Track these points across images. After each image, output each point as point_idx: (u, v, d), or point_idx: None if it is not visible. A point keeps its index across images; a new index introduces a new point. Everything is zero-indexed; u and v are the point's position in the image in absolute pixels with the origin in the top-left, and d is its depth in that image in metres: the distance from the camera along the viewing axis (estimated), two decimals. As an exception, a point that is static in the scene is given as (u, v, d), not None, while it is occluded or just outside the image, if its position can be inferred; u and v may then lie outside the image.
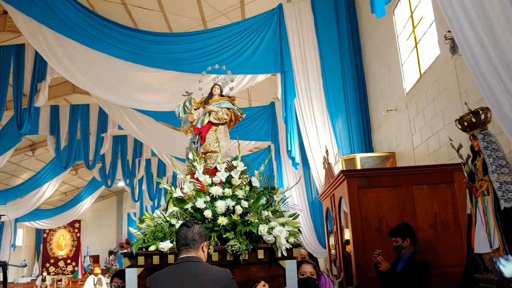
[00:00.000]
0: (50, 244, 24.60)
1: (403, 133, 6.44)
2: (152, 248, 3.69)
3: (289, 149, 7.69)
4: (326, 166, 6.15)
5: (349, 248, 5.18)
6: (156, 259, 3.61)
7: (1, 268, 3.00)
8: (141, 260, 3.64)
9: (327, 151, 6.37)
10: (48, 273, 22.28)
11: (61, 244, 24.70)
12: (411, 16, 6.11)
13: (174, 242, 3.08)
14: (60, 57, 8.57)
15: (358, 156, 6.67)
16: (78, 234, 24.65)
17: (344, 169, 6.63)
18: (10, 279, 19.85)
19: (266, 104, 12.17)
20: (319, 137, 7.62)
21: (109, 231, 24.28)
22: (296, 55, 8.01)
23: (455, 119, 3.77)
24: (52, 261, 24.36)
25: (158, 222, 4.04)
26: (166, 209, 4.37)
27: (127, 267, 3.65)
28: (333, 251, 6.28)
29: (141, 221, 4.26)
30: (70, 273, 23.44)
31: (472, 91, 4.49)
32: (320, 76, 7.92)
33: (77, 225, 24.37)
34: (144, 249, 3.72)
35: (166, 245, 3.65)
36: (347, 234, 5.29)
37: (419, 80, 5.85)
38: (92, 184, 19.43)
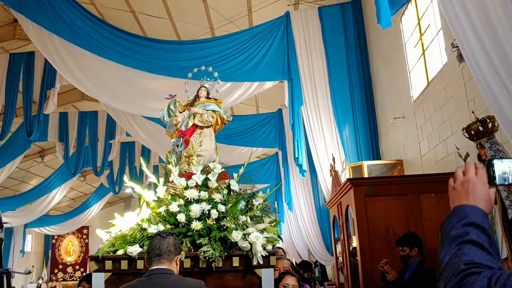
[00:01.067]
0: (59, 250, 24.70)
1: (411, 140, 6.43)
2: (120, 252, 3.53)
3: (296, 156, 7.69)
4: (333, 174, 6.14)
5: (357, 255, 5.17)
6: (124, 264, 3.46)
7: (5, 275, 3.01)
8: (108, 264, 3.49)
9: (333, 158, 6.36)
10: (51, 280, 22.38)
11: (69, 250, 24.79)
12: (418, 23, 6.12)
13: (144, 247, 2.95)
14: (69, 65, 8.66)
15: (365, 163, 6.65)
16: (86, 240, 24.73)
17: (351, 176, 6.62)
18: (18, 285, 19.96)
19: (273, 111, 12.21)
20: (326, 145, 7.61)
21: (117, 237, 24.30)
22: (303, 62, 8.03)
23: (462, 127, 3.76)
24: (60, 267, 24.46)
25: (130, 226, 3.86)
26: (139, 213, 4.12)
27: (94, 271, 3.51)
28: (340, 259, 6.26)
29: (113, 224, 4.06)
30: (78, 279, 23.50)
31: (479, 99, 4.48)
32: (327, 83, 7.92)
33: (85, 231, 24.46)
34: (112, 253, 3.57)
35: (134, 250, 3.50)
36: (354, 242, 5.27)
37: (426, 87, 5.84)
38: (100, 190, 19.51)
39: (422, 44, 6.01)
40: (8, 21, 11.60)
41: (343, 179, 6.69)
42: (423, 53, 5.99)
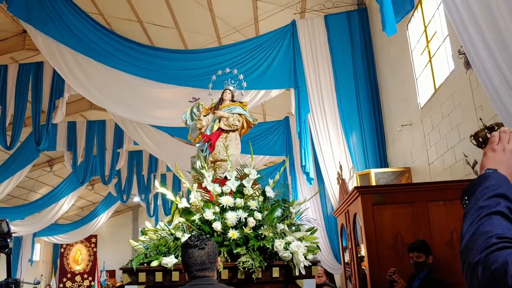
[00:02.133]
0: (67, 258, 24.76)
1: (418, 148, 6.39)
2: (154, 263, 3.39)
3: (303, 164, 7.68)
4: (340, 182, 6.11)
5: (364, 264, 5.13)
6: (158, 276, 3.32)
7: (13, 286, 3.01)
8: (142, 276, 3.34)
9: (341, 166, 6.34)
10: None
11: (77, 259, 24.83)
12: (425, 31, 6.11)
13: (179, 258, 2.71)
14: (77, 75, 8.73)
15: (373, 171, 6.62)
16: (94, 249, 24.77)
17: (359, 184, 6.59)
18: (27, 294, 19.98)
19: (280, 119, 12.21)
20: (333, 152, 7.59)
21: (125, 246, 24.32)
22: (310, 70, 8.04)
23: (470, 134, 3.74)
24: (69, 275, 24.50)
25: (162, 235, 3.69)
26: (171, 221, 4.02)
27: (126, 284, 3.35)
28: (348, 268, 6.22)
29: (144, 233, 3.87)
30: (86, 288, 23.58)
31: (487, 106, 4.45)
32: (333, 91, 7.92)
33: (93, 240, 24.51)
34: (145, 264, 3.42)
35: (170, 261, 3.34)
36: (362, 251, 5.24)
37: (433, 94, 5.82)
38: (108, 199, 19.58)
39: (429, 51, 5.99)
40: (18, 32, 11.74)
41: (350, 187, 6.66)
42: (430, 60, 5.98)
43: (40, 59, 11.52)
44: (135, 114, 9.68)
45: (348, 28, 8.09)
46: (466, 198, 1.20)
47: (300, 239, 3.56)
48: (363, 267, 5.27)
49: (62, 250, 24.57)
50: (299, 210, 3.93)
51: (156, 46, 11.20)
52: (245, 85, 5.32)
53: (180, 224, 3.74)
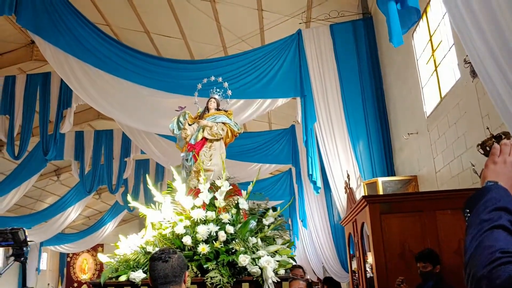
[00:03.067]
0: (74, 268, 24.81)
1: (425, 156, 6.40)
2: (122, 278, 3.35)
3: (310, 173, 7.69)
4: (348, 191, 6.13)
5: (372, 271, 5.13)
6: None
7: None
8: None
9: (348, 176, 6.35)
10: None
11: (84, 268, 24.88)
12: (430, 40, 6.14)
13: (148, 273, 2.82)
14: (85, 85, 8.82)
15: (380, 180, 6.62)
16: (101, 258, 24.82)
17: (366, 193, 6.60)
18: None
19: (286, 127, 12.25)
20: (341, 161, 7.61)
21: (132, 255, 24.35)
22: (316, 79, 8.07)
23: (477, 143, 3.75)
24: (75, 285, 24.53)
25: (133, 249, 3.68)
26: (144, 235, 3.99)
27: None
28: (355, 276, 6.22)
29: (117, 246, 3.89)
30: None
31: (493, 115, 4.47)
32: (340, 99, 7.94)
33: (100, 249, 24.55)
34: (114, 278, 3.39)
35: (138, 276, 3.30)
36: (370, 259, 5.24)
37: (439, 103, 5.83)
38: (114, 208, 19.62)
39: (434, 60, 6.02)
40: (26, 43, 11.90)
41: (358, 195, 6.67)
42: (436, 69, 6.00)
43: (48, 69, 11.64)
44: (142, 124, 9.75)
45: (354, 37, 8.13)
46: (468, 210, 1.20)
47: (274, 253, 3.48)
48: (370, 275, 5.27)
49: (69, 259, 24.63)
50: (273, 222, 3.82)
51: (162, 56, 11.31)
52: (230, 94, 5.37)
53: (153, 238, 3.67)
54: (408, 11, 3.83)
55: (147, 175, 5.25)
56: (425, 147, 6.37)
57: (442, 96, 5.77)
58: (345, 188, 6.38)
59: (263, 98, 8.37)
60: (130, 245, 3.72)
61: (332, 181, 7.63)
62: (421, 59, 6.54)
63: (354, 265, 6.33)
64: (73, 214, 17.48)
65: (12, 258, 3.19)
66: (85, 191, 15.31)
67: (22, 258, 3.12)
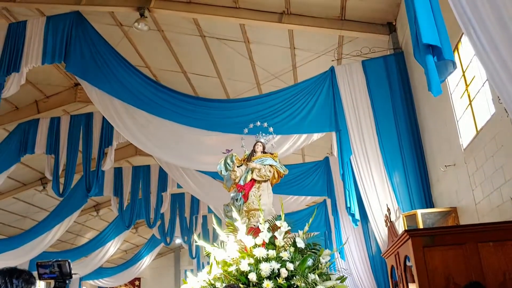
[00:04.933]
0: (111, 302, 25.11)
1: (463, 188, 6.48)
2: None
3: (348, 206, 7.82)
4: (389, 225, 6.25)
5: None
6: None
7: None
8: None
9: (388, 209, 6.48)
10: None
11: (121, 302, 25.14)
12: (463, 75, 6.30)
13: None
14: (129, 125, 9.27)
15: (419, 212, 6.71)
16: (138, 292, 25.09)
17: (406, 225, 6.69)
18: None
19: (320, 159, 12.41)
20: (378, 193, 7.72)
21: (168, 288, 24.59)
22: (350, 113, 8.27)
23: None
24: (113, 318, 24.78)
25: (202, 285, 4.01)
26: (210, 272, 4.33)
27: None
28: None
29: (185, 282, 4.21)
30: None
31: (531, 149, 4.59)
32: (374, 132, 8.10)
33: (137, 282, 24.83)
34: None
35: None
36: (412, 290, 5.31)
37: (476, 136, 5.95)
38: (151, 241, 19.98)
39: (469, 95, 6.17)
40: (70, 86, 12.58)
41: (397, 227, 6.77)
42: (470, 103, 6.14)
43: (90, 109, 12.25)
44: (181, 160, 10.13)
45: (386, 72, 8.33)
46: None
47: None
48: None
49: (107, 293, 24.99)
50: (329, 260, 4.15)
51: (199, 94, 11.79)
52: (272, 130, 5.87)
53: (219, 274, 3.99)
54: (444, 62, 4.06)
55: (213, 217, 5.58)
56: (463, 179, 6.46)
57: (478, 129, 5.89)
58: (385, 221, 6.50)
59: (298, 133, 8.61)
60: (199, 280, 4.03)
61: (371, 213, 7.74)
62: (454, 93, 6.69)
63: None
64: (112, 248, 17.89)
65: (54, 291, 3.26)
66: (124, 225, 15.72)
67: None
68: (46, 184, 15.70)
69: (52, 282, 3.32)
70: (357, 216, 7.84)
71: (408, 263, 5.38)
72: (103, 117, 11.37)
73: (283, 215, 4.39)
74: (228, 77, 11.41)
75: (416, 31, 3.88)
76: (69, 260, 3.44)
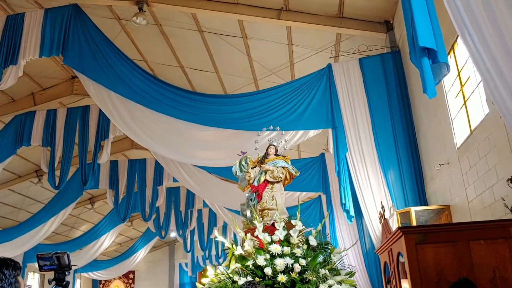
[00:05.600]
0: (106, 294, 25.19)
1: (457, 186, 6.57)
2: None
3: (343, 202, 7.91)
4: (383, 222, 6.34)
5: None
6: None
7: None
8: None
9: (383, 207, 6.58)
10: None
11: (115, 294, 25.23)
12: (458, 75, 6.38)
13: None
14: (126, 119, 9.30)
15: (413, 209, 6.81)
16: (132, 285, 25.12)
17: (400, 222, 6.79)
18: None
19: (315, 155, 12.48)
20: (373, 190, 7.81)
21: (162, 282, 24.65)
22: (347, 111, 8.33)
23: (508, 175, 3.96)
24: (107, 310, 24.87)
25: (221, 278, 4.28)
26: (228, 266, 4.66)
27: None
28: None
29: (206, 276, 4.48)
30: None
31: (524, 149, 4.67)
32: (370, 130, 8.18)
33: (131, 275, 24.89)
34: None
35: None
36: (406, 286, 5.40)
37: (469, 136, 6.03)
38: (146, 235, 20.05)
39: (463, 95, 6.25)
40: (67, 78, 12.57)
41: (391, 224, 6.86)
42: (465, 103, 6.22)
43: (86, 102, 12.26)
44: (178, 155, 10.18)
45: (383, 70, 8.40)
46: None
47: (339, 282, 4.07)
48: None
49: (101, 286, 25.02)
50: (340, 257, 4.47)
51: (196, 88, 11.83)
52: (286, 136, 6.34)
53: (237, 268, 4.30)
54: (439, 65, 4.14)
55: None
56: (456, 178, 6.55)
57: (472, 129, 5.98)
58: (379, 218, 6.60)
59: (295, 130, 8.66)
60: (218, 273, 4.38)
61: (365, 210, 7.83)
62: (449, 93, 6.77)
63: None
64: (106, 241, 17.94)
65: (54, 283, 3.35)
66: (120, 218, 15.76)
67: (64, 283, 3.31)
68: (41, 176, 15.71)
69: (51, 279, 3.36)
70: (352, 213, 7.94)
71: (401, 260, 5.47)
72: (100, 110, 11.42)
73: (299, 214, 4.65)
74: (225, 72, 11.45)
75: (413, 34, 3.95)
76: (67, 252, 3.49)
